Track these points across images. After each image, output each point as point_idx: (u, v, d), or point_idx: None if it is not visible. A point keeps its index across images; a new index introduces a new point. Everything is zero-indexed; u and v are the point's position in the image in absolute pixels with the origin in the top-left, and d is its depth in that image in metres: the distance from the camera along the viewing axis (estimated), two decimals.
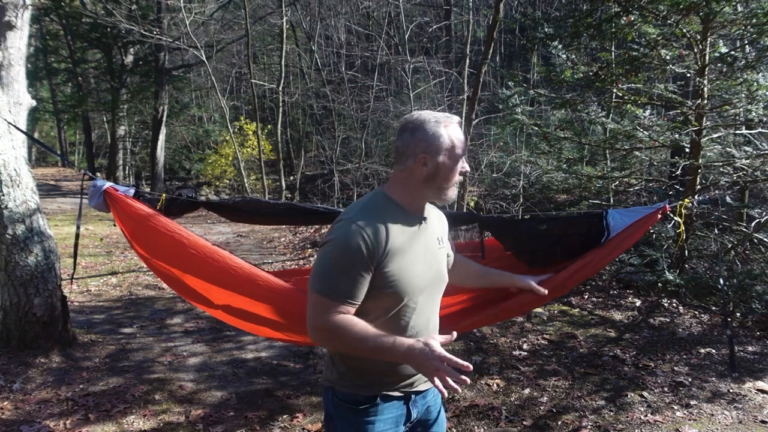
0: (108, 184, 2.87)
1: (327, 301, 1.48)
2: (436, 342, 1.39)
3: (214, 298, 2.73)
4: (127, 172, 22.25)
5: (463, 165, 1.59)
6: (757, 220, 5.83)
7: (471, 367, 1.34)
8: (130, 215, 2.80)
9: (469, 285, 2.22)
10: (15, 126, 3.70)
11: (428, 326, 1.62)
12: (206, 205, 3.20)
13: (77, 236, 3.32)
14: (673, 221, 5.82)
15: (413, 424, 1.67)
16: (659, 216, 2.70)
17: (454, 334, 1.46)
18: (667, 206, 2.68)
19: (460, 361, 1.33)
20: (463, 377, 1.34)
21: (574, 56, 6.01)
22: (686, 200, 2.84)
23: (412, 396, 1.63)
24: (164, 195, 2.96)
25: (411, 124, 1.55)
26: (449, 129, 1.56)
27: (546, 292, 2.07)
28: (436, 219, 1.71)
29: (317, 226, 10.34)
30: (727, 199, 6.16)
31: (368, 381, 1.57)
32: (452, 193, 1.59)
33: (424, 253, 1.58)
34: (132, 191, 2.93)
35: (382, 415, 1.58)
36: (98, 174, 21.23)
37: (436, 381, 1.34)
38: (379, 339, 1.45)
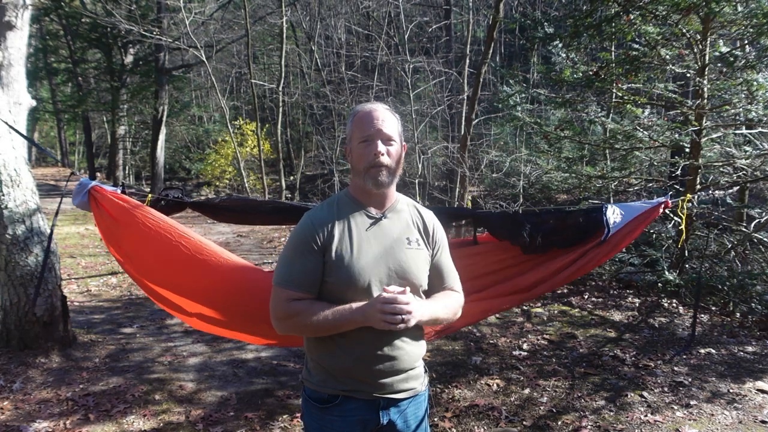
0: (94, 183, 2.84)
1: (284, 291, 1.54)
2: (386, 292, 1.45)
3: (188, 306, 2.73)
4: (127, 171, 22.24)
5: (373, 147, 1.54)
6: (757, 220, 5.83)
7: (406, 289, 1.46)
8: (113, 211, 2.76)
9: None
10: (12, 127, 3.70)
11: (383, 332, 1.50)
12: (193, 205, 3.17)
13: (50, 236, 3.34)
14: (673, 221, 5.82)
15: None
16: (661, 211, 2.70)
17: (407, 289, 1.47)
18: (669, 201, 2.68)
19: (393, 292, 1.44)
20: (406, 308, 1.42)
21: (574, 56, 6.01)
22: (688, 196, 2.83)
23: (382, 402, 1.57)
24: (150, 195, 2.95)
25: None
26: (356, 116, 1.60)
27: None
28: (409, 218, 1.66)
29: None
30: (727, 199, 6.16)
31: (329, 378, 1.58)
32: (378, 177, 1.54)
33: (379, 249, 1.56)
34: (119, 190, 2.92)
35: (345, 416, 1.56)
36: (98, 174, 21.23)
37: (386, 320, 1.42)
38: (339, 309, 1.50)
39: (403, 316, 1.43)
